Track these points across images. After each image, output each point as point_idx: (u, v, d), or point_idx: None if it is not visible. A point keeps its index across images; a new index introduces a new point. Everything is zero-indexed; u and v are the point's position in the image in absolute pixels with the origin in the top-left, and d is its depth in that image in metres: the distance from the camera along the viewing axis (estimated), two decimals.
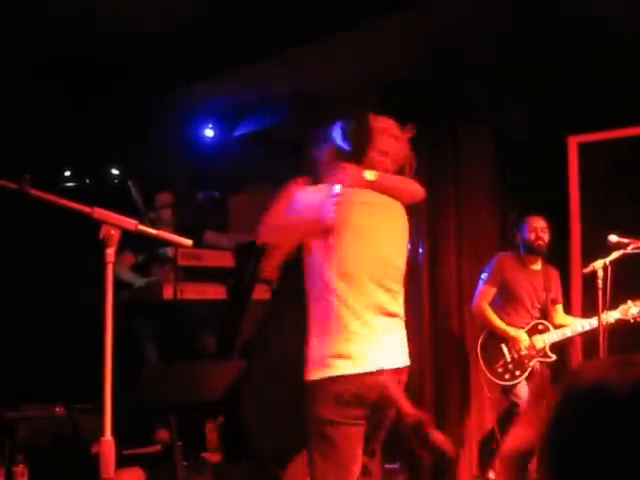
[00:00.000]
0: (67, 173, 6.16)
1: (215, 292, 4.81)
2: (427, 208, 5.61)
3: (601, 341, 4.09)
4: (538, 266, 4.92)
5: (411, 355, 2.92)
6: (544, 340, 4.73)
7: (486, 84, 5.38)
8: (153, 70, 5.50)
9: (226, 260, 4.98)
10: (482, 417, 5.39)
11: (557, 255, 5.09)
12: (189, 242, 2.41)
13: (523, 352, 4.72)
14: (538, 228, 4.82)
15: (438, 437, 2.69)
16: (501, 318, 4.83)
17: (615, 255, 4.23)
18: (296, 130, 6.18)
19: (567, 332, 4.73)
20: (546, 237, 4.84)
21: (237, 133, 6.63)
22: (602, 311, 4.18)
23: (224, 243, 5.24)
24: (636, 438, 1.09)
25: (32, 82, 5.24)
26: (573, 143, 5.32)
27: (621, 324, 4.48)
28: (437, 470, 5.05)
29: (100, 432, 2.21)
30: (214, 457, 4.34)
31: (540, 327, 4.79)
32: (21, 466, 3.54)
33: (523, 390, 4.70)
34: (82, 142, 5.67)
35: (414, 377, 5.35)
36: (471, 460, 5.26)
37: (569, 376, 1.22)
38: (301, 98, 5.94)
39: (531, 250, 4.86)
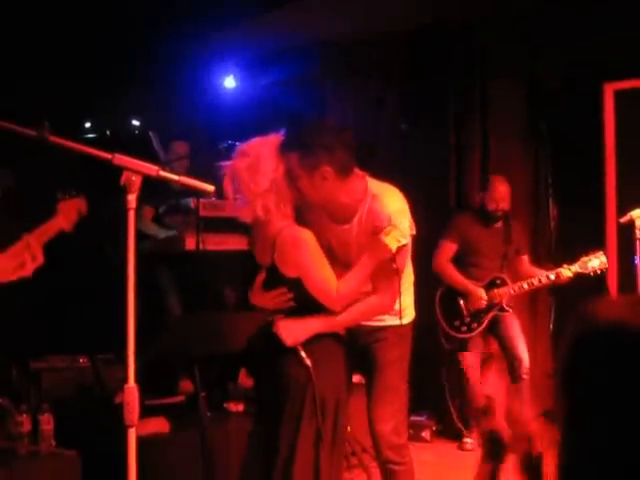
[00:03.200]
0: (87, 125, 6.14)
1: (237, 242, 4.78)
2: (456, 158, 5.55)
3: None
4: (498, 223, 5.04)
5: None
6: (501, 294, 4.87)
7: (520, 30, 5.25)
8: (176, 19, 5.41)
9: None
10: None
11: (592, 204, 5.02)
12: (211, 188, 2.36)
13: (480, 306, 4.87)
14: (499, 199, 4.90)
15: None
16: (464, 273, 4.96)
17: None
18: (321, 80, 6.10)
19: (524, 285, 4.86)
20: (506, 204, 4.93)
21: (261, 82, 6.54)
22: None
23: None
24: None
25: (52, 33, 5.18)
26: (609, 90, 5.19)
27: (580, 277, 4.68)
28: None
29: (123, 382, 2.20)
30: (237, 407, 4.36)
31: (498, 281, 4.92)
32: (46, 415, 3.57)
33: (469, 357, 5.00)
34: (102, 93, 5.63)
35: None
36: None
37: (584, 315, 1.20)
38: (328, 47, 5.84)
39: (490, 217, 4.97)
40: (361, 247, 2.93)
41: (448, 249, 5.00)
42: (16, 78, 4.99)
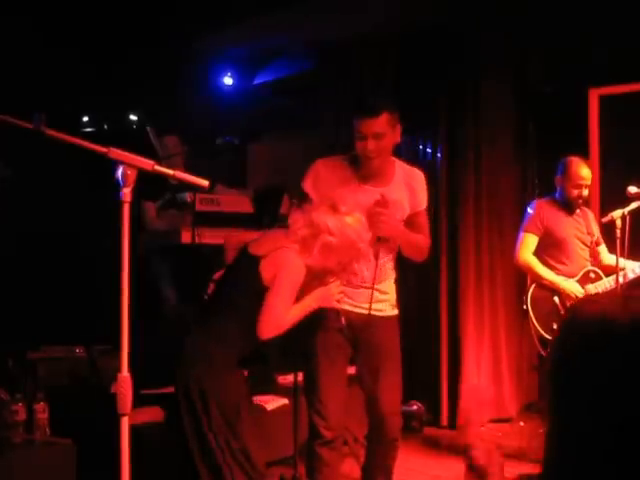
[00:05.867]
0: (85, 119, 6.18)
1: None
2: (447, 159, 5.60)
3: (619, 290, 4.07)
4: (577, 210, 4.53)
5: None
6: (597, 288, 4.36)
7: (508, 35, 5.31)
8: (176, 17, 5.45)
9: (243, 205, 5.01)
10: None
11: None
12: (205, 182, 2.39)
13: (574, 298, 4.27)
14: (582, 185, 4.37)
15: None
16: (553, 268, 4.42)
17: (634, 206, 4.19)
18: (315, 79, 6.15)
19: (620, 278, 4.26)
20: (587, 190, 4.41)
21: (257, 81, 6.59)
22: (618, 260, 4.15)
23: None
24: (635, 369, 1.11)
25: (52, 29, 5.22)
26: (594, 95, 5.26)
27: None
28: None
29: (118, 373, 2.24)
30: None
31: (592, 275, 4.42)
32: (42, 404, 3.59)
33: None
34: (101, 88, 5.66)
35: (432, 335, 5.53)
36: None
37: (573, 308, 1.23)
38: (322, 48, 5.88)
39: (571, 206, 4.46)
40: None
41: (531, 242, 4.42)
42: (14, 71, 5.02)
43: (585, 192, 4.40)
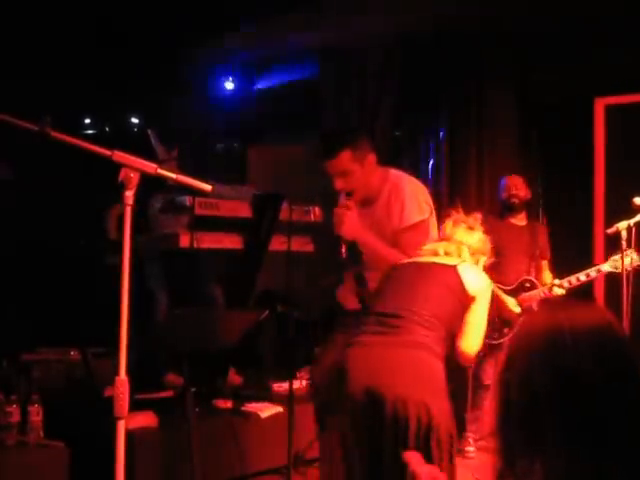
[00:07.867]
0: (87, 121, 6.18)
1: (231, 242, 4.84)
2: (450, 170, 5.59)
3: (625, 301, 4.05)
4: (522, 222, 4.91)
5: None
6: (531, 298, 4.65)
7: (513, 44, 5.31)
8: (177, 20, 5.45)
9: (243, 210, 5.00)
10: None
11: (581, 215, 5.07)
12: (209, 187, 2.39)
13: (512, 316, 4.54)
14: (511, 186, 4.84)
15: None
16: (492, 277, 4.64)
17: (639, 217, 4.15)
18: (317, 83, 6.15)
19: (556, 289, 4.60)
20: (521, 193, 4.85)
21: (258, 86, 6.60)
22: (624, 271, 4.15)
23: (227, 194, 5.18)
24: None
25: (55, 31, 5.22)
26: (600, 105, 5.25)
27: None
28: None
29: (113, 376, 2.22)
30: (226, 404, 4.40)
31: (527, 284, 4.72)
32: (36, 406, 3.58)
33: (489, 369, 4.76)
34: (102, 90, 5.66)
35: None
36: None
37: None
38: (324, 51, 5.89)
39: (507, 208, 4.87)
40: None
41: None
42: (18, 73, 5.02)
43: (518, 192, 4.82)
